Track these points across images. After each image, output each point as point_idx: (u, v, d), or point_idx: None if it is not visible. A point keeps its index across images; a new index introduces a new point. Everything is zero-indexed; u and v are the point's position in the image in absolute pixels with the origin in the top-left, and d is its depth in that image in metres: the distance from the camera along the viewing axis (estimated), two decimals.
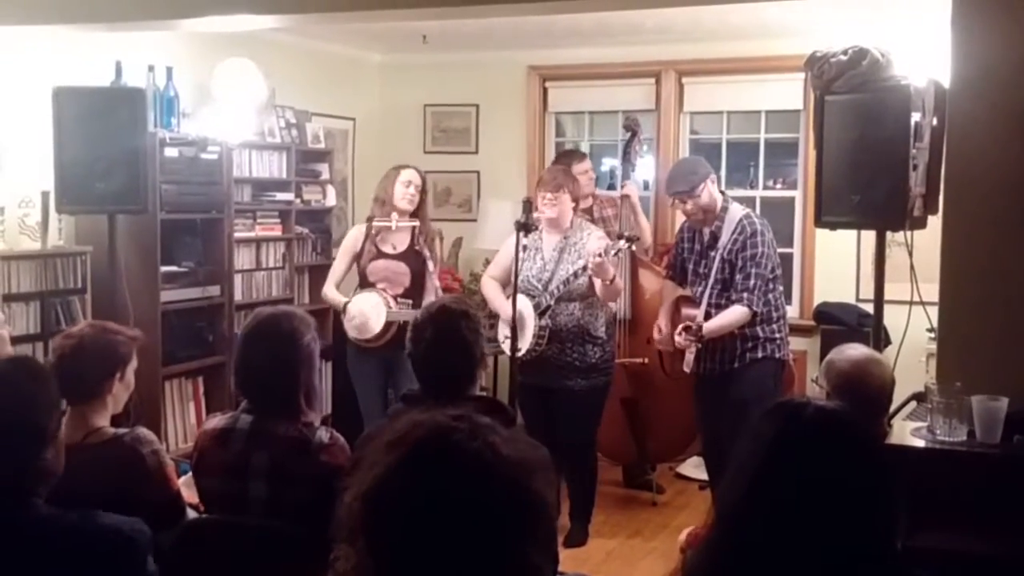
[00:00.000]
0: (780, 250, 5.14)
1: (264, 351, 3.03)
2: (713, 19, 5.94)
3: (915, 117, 3.86)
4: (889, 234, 4.21)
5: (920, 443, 3.13)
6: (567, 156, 6.22)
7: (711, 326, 4.82)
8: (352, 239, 5.55)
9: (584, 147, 7.16)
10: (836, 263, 6.54)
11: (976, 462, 3.05)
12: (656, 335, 5.26)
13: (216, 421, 3.08)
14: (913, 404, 3.69)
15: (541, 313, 5.08)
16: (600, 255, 4.83)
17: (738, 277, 4.86)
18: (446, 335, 3.00)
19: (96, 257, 5.16)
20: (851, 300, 6.52)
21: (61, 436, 2.50)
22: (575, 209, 5.28)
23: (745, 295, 4.83)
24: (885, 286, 4.24)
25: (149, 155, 5.03)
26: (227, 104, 5.84)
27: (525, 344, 5.05)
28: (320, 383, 3.41)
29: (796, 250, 6.78)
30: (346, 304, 5.36)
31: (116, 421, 3.17)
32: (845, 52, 4.02)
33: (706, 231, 5.00)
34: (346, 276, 5.57)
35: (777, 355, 4.96)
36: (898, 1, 5.41)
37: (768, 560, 1.79)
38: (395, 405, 3.33)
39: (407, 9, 4.50)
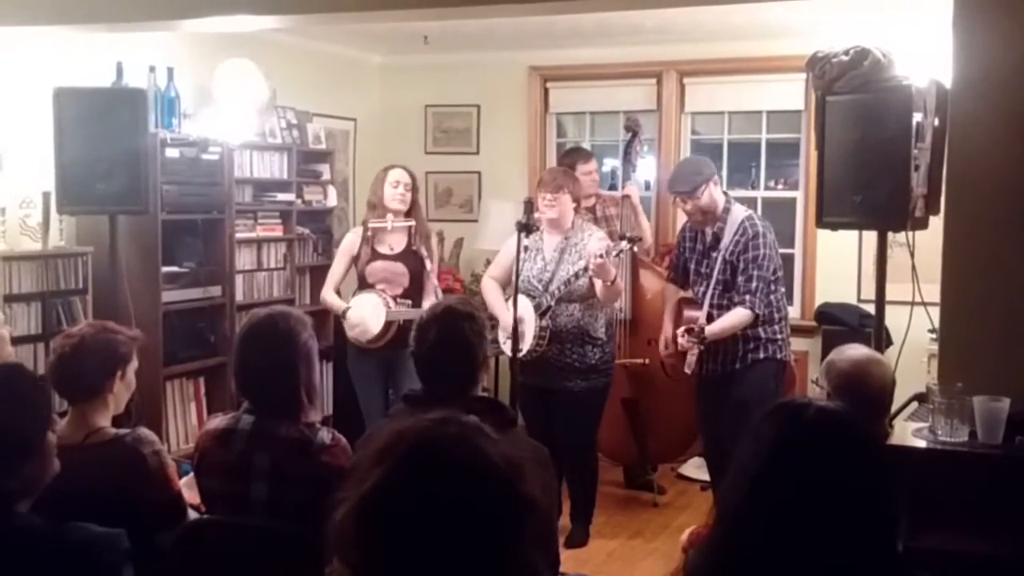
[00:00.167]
0: (781, 251, 5.14)
1: (262, 352, 3.03)
2: (714, 19, 5.93)
3: (917, 117, 3.86)
4: (891, 234, 4.21)
5: (922, 444, 3.13)
6: (573, 154, 6.21)
7: (713, 329, 4.82)
8: (349, 242, 5.55)
9: (584, 147, 7.16)
10: (837, 263, 6.53)
11: (978, 463, 3.04)
12: (662, 349, 5.25)
13: (218, 421, 3.08)
14: (915, 405, 3.69)
15: (542, 314, 5.08)
16: (601, 256, 4.83)
17: (740, 279, 4.86)
18: (450, 336, 3.00)
19: (97, 258, 5.16)
20: (852, 301, 6.52)
21: (50, 445, 2.47)
22: (576, 209, 5.28)
23: (747, 297, 4.83)
24: (886, 287, 4.24)
25: (150, 156, 5.03)
26: (228, 105, 5.84)
27: (525, 345, 5.05)
28: (320, 384, 3.41)
29: (797, 251, 6.78)
30: (346, 310, 5.36)
31: (117, 421, 3.17)
32: (847, 52, 4.02)
33: (708, 232, 5.00)
34: (344, 279, 5.57)
35: (779, 356, 4.96)
36: (900, 1, 5.41)
37: (769, 561, 1.79)
38: (397, 405, 3.32)
39: (408, 10, 4.49)
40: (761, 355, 4.91)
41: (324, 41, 6.91)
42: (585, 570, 4.76)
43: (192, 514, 3.14)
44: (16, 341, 4.30)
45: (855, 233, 6.04)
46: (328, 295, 5.53)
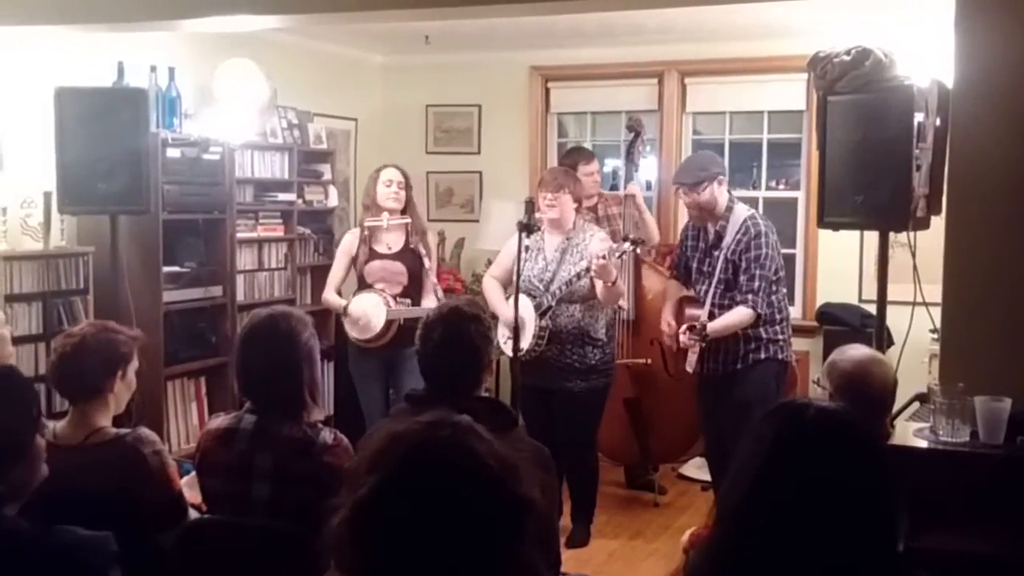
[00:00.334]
0: (783, 251, 5.14)
1: (264, 353, 3.03)
2: (716, 19, 5.93)
3: (918, 117, 3.85)
4: (892, 235, 4.20)
5: (923, 444, 3.13)
6: (575, 155, 6.18)
7: (715, 326, 4.82)
8: (347, 243, 5.56)
9: (587, 148, 7.15)
10: (839, 264, 6.53)
11: (979, 463, 3.04)
12: (665, 328, 5.24)
13: (220, 421, 3.08)
14: (916, 405, 3.69)
15: (542, 314, 5.07)
16: (603, 257, 4.82)
17: (742, 278, 4.86)
18: (456, 337, 3.00)
19: (98, 257, 5.16)
20: (854, 301, 6.52)
21: (38, 449, 2.46)
22: (578, 209, 5.27)
23: (749, 296, 4.82)
24: (888, 287, 4.24)
25: (151, 155, 5.03)
26: (229, 104, 5.84)
27: (525, 344, 5.05)
28: (322, 384, 3.41)
29: (799, 251, 6.77)
30: (346, 307, 5.36)
31: (118, 421, 3.17)
32: (848, 52, 4.01)
33: (711, 230, 5.00)
34: (345, 280, 5.57)
35: (780, 356, 4.96)
36: (901, 1, 5.41)
37: (770, 561, 1.79)
38: (399, 405, 3.32)
39: (409, 9, 4.49)
40: (762, 355, 4.91)
41: (325, 41, 6.91)
42: (586, 570, 4.76)
43: (193, 514, 3.14)
44: (17, 341, 4.31)
45: (856, 233, 6.03)
46: (329, 295, 5.54)
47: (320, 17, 4.81)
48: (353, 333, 5.38)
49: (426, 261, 5.40)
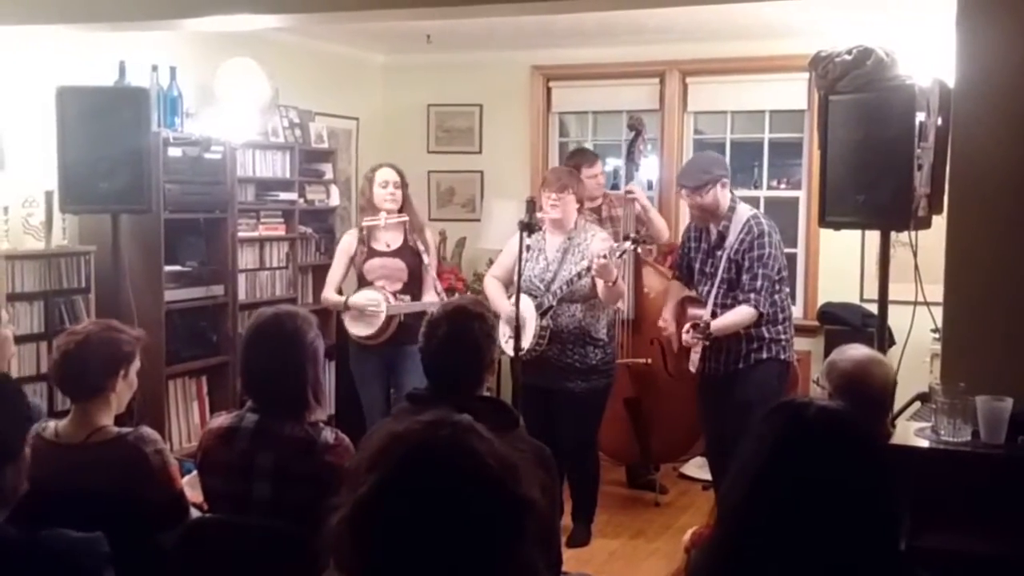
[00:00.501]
0: (784, 250, 5.13)
1: (269, 352, 3.03)
2: (717, 19, 5.93)
3: (920, 117, 3.85)
4: (893, 234, 4.20)
5: (924, 443, 3.12)
6: (578, 156, 6.18)
7: (718, 324, 4.82)
8: (346, 243, 5.57)
9: (588, 147, 7.15)
10: (840, 263, 6.53)
11: (980, 463, 3.04)
12: (662, 324, 5.23)
13: (221, 420, 3.08)
14: (917, 404, 3.68)
15: (543, 314, 5.07)
16: (604, 256, 4.82)
17: (745, 277, 4.86)
18: (459, 335, 3.00)
19: (100, 257, 5.16)
20: (855, 300, 6.51)
21: (26, 457, 2.45)
22: (580, 210, 5.27)
23: (752, 296, 4.82)
24: (889, 286, 4.23)
25: (153, 155, 5.03)
26: (231, 104, 5.84)
27: (526, 344, 5.05)
28: (325, 382, 3.41)
29: (800, 250, 6.77)
30: (346, 301, 5.37)
31: (119, 421, 3.18)
32: (849, 52, 4.01)
33: (713, 230, 5.00)
34: (344, 279, 5.57)
35: (782, 356, 4.96)
36: (903, 1, 5.40)
37: (771, 560, 1.79)
38: (400, 404, 3.32)
39: (410, 9, 4.49)
40: (764, 355, 4.91)
41: (326, 40, 6.91)
42: (587, 570, 4.76)
43: (194, 513, 3.14)
44: (19, 340, 4.31)
45: (858, 233, 6.03)
46: (328, 294, 5.55)
47: (321, 16, 4.81)
48: (354, 330, 5.39)
49: (425, 257, 5.41)
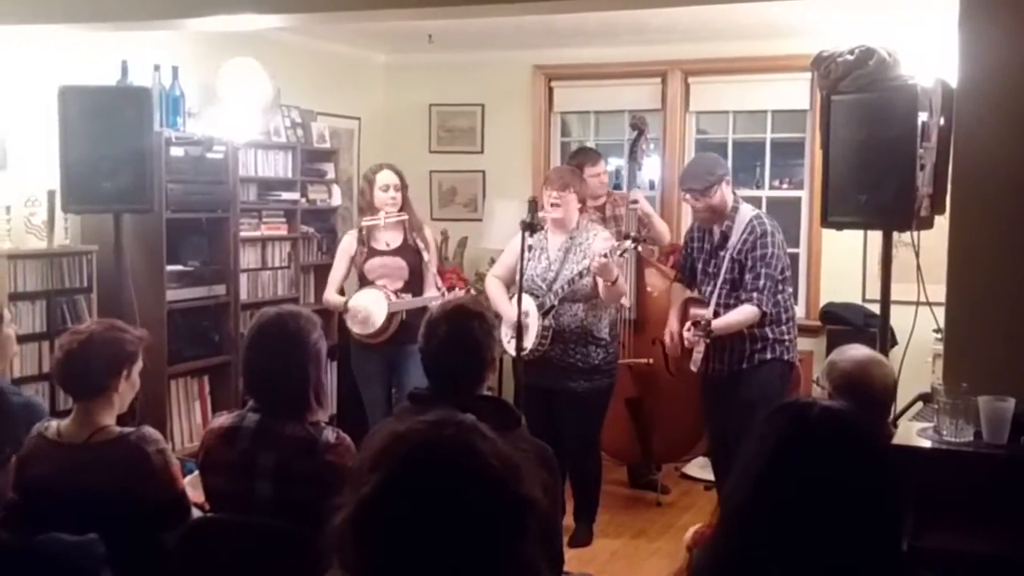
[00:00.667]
0: (787, 250, 5.13)
1: (272, 352, 3.03)
2: (719, 19, 5.93)
3: (922, 117, 3.85)
4: (896, 234, 4.20)
5: (926, 444, 3.12)
6: (581, 156, 6.19)
7: (720, 323, 4.82)
8: (346, 244, 5.57)
9: (590, 147, 7.15)
10: (842, 263, 6.52)
11: (983, 463, 3.04)
12: (668, 340, 5.24)
13: (223, 420, 3.08)
14: (919, 405, 3.68)
15: (545, 313, 5.07)
16: (605, 255, 4.82)
17: (748, 277, 4.86)
18: (459, 334, 3.00)
19: (102, 256, 5.16)
20: (857, 300, 6.51)
21: (12, 465, 2.44)
22: (582, 210, 5.27)
23: (755, 295, 4.82)
24: (892, 286, 4.23)
25: (155, 154, 5.03)
26: (233, 103, 5.84)
27: (528, 344, 5.05)
28: (327, 383, 3.40)
29: (802, 250, 6.77)
30: (346, 303, 5.38)
31: (122, 420, 3.18)
32: (852, 52, 4.01)
33: (716, 230, 4.99)
34: (345, 280, 5.58)
35: (785, 357, 4.96)
36: (905, 1, 5.40)
37: (773, 560, 1.79)
38: (402, 404, 3.32)
39: (412, 9, 4.49)
40: (768, 356, 4.91)
41: (328, 40, 6.91)
42: (589, 569, 4.76)
43: (196, 513, 3.14)
44: (21, 339, 4.30)
45: (860, 233, 6.02)
46: (329, 295, 5.55)
47: (323, 16, 4.81)
48: (355, 329, 5.39)
49: (425, 255, 5.42)
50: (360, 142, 7.48)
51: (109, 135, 4.84)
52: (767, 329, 4.89)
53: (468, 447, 1.57)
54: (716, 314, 4.90)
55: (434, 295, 5.27)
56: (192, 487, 3.19)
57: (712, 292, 4.97)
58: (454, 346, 2.99)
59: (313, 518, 2.68)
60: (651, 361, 5.78)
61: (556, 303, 5.07)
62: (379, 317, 5.27)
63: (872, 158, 3.95)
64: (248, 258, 6.04)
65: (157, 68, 5.48)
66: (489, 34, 6.64)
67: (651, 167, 6.91)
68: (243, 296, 5.92)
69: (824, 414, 1.88)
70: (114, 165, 4.84)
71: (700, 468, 6.35)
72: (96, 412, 3.05)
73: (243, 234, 5.90)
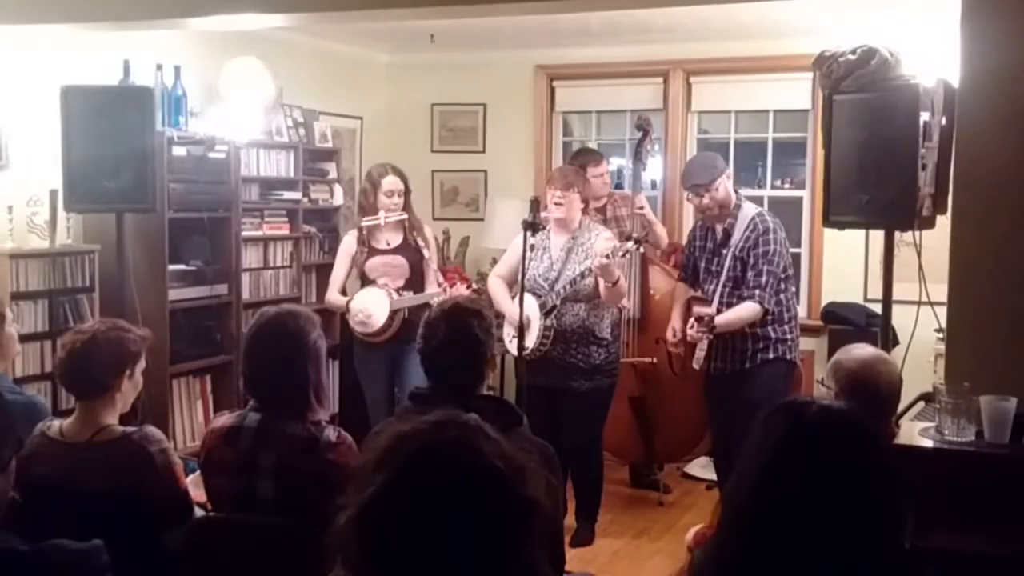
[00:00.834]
0: (789, 249, 5.13)
1: (271, 352, 3.03)
2: (721, 18, 5.93)
3: (924, 116, 3.85)
4: (897, 234, 4.20)
5: (928, 443, 3.12)
6: (584, 156, 6.19)
7: (723, 319, 4.82)
8: (347, 244, 5.59)
9: (592, 147, 7.15)
10: (844, 263, 6.52)
11: (984, 463, 3.03)
12: (670, 337, 5.24)
13: (224, 419, 3.08)
14: (921, 404, 3.68)
15: (547, 313, 5.07)
16: (607, 256, 4.82)
17: (750, 274, 4.86)
18: (458, 334, 3.00)
19: (104, 256, 5.16)
20: (859, 300, 6.51)
21: (11, 469, 2.44)
22: (585, 210, 5.27)
23: (757, 292, 4.82)
24: (893, 286, 4.23)
25: (157, 154, 5.03)
26: (235, 103, 5.85)
27: (529, 343, 5.05)
28: (327, 382, 3.41)
29: (804, 250, 6.77)
30: (348, 303, 5.38)
31: (124, 420, 3.18)
32: (854, 51, 4.01)
33: (718, 228, 5.00)
34: (346, 280, 5.58)
35: (788, 356, 4.96)
36: (907, 1, 5.40)
37: (775, 560, 1.79)
38: (403, 404, 3.32)
39: (414, 8, 4.49)
40: (771, 355, 4.91)
41: (331, 40, 6.91)
42: (590, 569, 4.76)
43: (198, 512, 3.14)
44: (23, 339, 4.30)
45: (862, 232, 6.02)
46: (331, 295, 5.56)
47: (326, 16, 4.81)
48: (358, 328, 5.39)
49: (425, 252, 5.44)
50: (362, 142, 7.48)
51: (111, 135, 4.84)
52: (770, 328, 4.89)
53: (473, 448, 1.57)
54: (719, 312, 4.90)
55: (436, 291, 5.28)
56: (194, 486, 3.20)
57: (715, 290, 4.98)
58: (453, 345, 2.99)
59: (315, 517, 2.70)
60: (655, 360, 5.78)
61: (558, 303, 5.07)
62: (381, 315, 5.28)
63: (874, 158, 3.95)
64: (250, 258, 6.04)
65: (159, 68, 5.49)
66: (491, 34, 6.64)
67: (653, 167, 6.91)
68: (245, 296, 5.92)
69: (822, 413, 1.88)
70: (116, 164, 4.84)
71: (702, 468, 6.35)
72: (99, 411, 3.06)
73: (245, 234, 5.90)
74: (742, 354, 4.92)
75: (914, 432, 3.21)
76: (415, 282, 5.45)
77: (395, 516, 1.52)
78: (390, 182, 5.45)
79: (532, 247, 5.06)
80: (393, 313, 5.27)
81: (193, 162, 5.49)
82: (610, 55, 6.99)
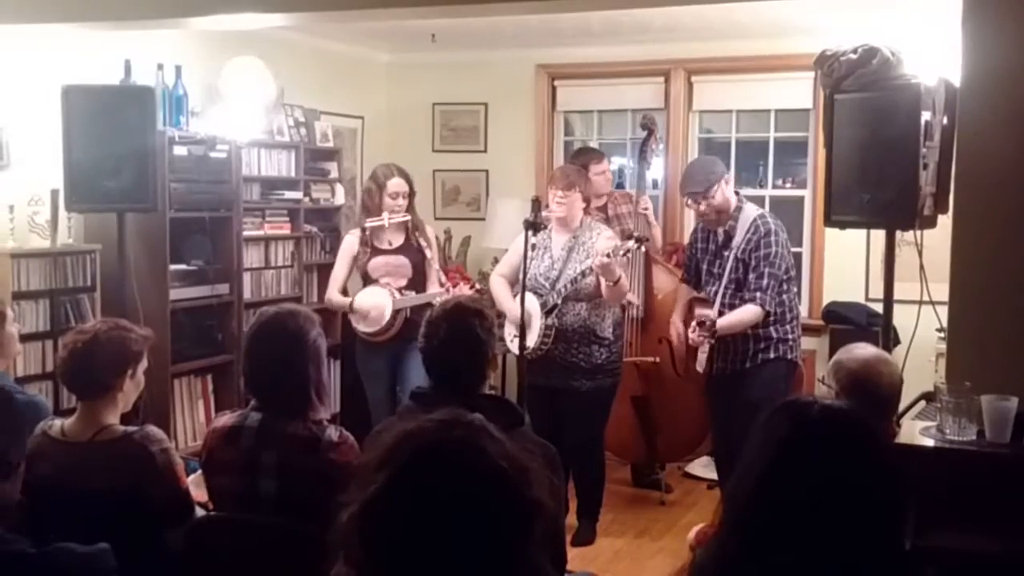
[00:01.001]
0: (791, 249, 5.13)
1: (271, 351, 3.04)
2: (722, 17, 5.92)
3: (925, 116, 3.85)
4: (899, 233, 4.20)
5: (929, 442, 3.12)
6: (585, 154, 6.20)
7: (724, 323, 4.82)
8: (348, 244, 5.58)
9: (593, 146, 7.15)
10: (845, 262, 6.52)
11: (985, 462, 3.03)
12: (674, 333, 5.24)
13: (225, 419, 3.08)
14: (922, 403, 3.68)
15: (548, 312, 5.07)
16: (608, 255, 4.82)
17: (751, 276, 4.85)
18: (459, 333, 3.00)
19: (105, 255, 5.16)
20: (860, 299, 6.50)
21: (21, 471, 2.45)
22: (586, 209, 5.27)
23: (758, 294, 4.82)
24: (895, 285, 4.23)
25: (158, 153, 5.03)
26: (236, 102, 5.85)
27: (530, 343, 5.05)
28: (328, 381, 3.41)
29: (805, 249, 6.77)
30: (351, 303, 5.38)
31: (125, 419, 3.18)
32: (855, 50, 4.01)
33: (720, 231, 4.99)
34: (347, 280, 5.58)
35: (789, 356, 4.96)
36: (908, 0, 5.40)
37: (776, 559, 1.79)
38: (405, 403, 3.32)
39: (415, 8, 4.49)
40: (772, 355, 4.91)
41: (332, 39, 6.91)
42: (592, 568, 4.76)
43: (199, 512, 3.14)
44: (24, 338, 4.31)
45: (863, 232, 6.02)
46: (332, 295, 5.55)
47: (327, 15, 4.81)
48: (361, 327, 5.40)
49: (427, 252, 5.44)
50: (363, 141, 7.48)
51: (112, 134, 4.84)
52: (771, 328, 4.89)
53: (477, 448, 1.57)
54: (720, 314, 4.89)
55: (439, 291, 5.29)
56: (195, 486, 3.20)
57: (717, 292, 4.97)
58: (455, 345, 2.99)
59: (316, 516, 2.71)
60: (658, 360, 5.78)
61: (559, 302, 5.07)
62: (385, 315, 5.28)
63: (875, 157, 3.95)
64: (251, 257, 6.04)
65: (160, 67, 5.49)
66: (492, 33, 6.64)
67: (655, 166, 6.91)
68: (246, 295, 5.92)
69: (825, 413, 1.89)
70: (117, 164, 4.84)
71: (703, 467, 6.35)
72: (100, 411, 3.06)
73: (246, 233, 5.90)
74: (743, 354, 4.92)
75: (915, 431, 3.21)
76: (417, 282, 5.46)
77: (398, 514, 1.52)
78: (396, 184, 5.45)
79: (533, 246, 5.06)
80: (396, 312, 5.27)
81: (194, 162, 5.49)
82: (611, 54, 6.99)
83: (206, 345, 5.75)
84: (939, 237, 3.91)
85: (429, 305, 4.70)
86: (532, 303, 5.07)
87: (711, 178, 4.90)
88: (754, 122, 7.10)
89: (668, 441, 6.00)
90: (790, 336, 4.95)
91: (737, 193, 5.07)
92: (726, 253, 4.95)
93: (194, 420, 5.76)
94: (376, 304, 5.32)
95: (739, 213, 4.96)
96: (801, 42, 5.88)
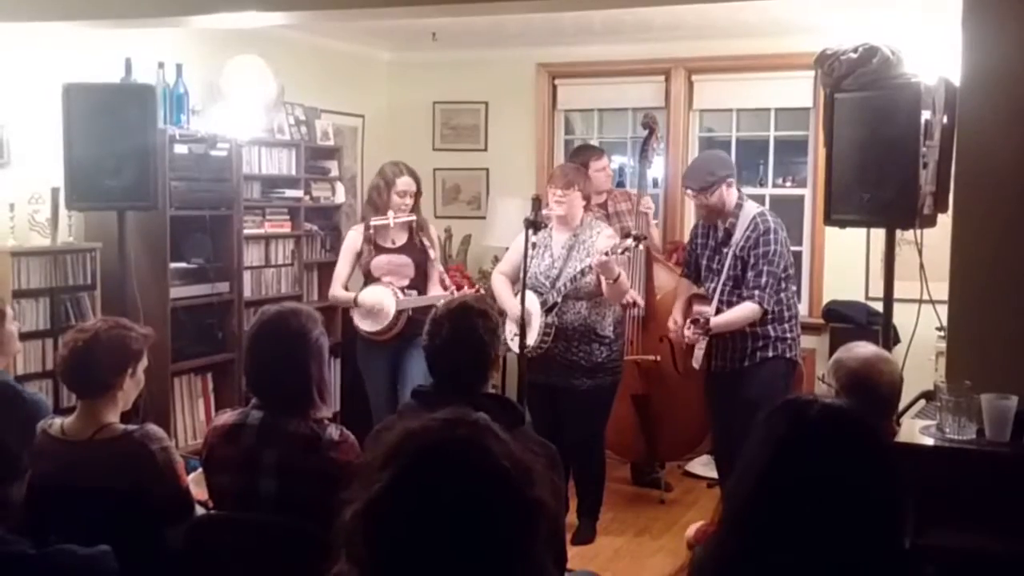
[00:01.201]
0: (791, 248, 5.13)
1: (273, 349, 3.04)
2: (723, 16, 5.92)
3: (925, 115, 3.85)
4: (899, 232, 4.20)
5: (929, 441, 3.12)
6: (585, 152, 6.20)
7: (719, 321, 4.82)
8: (351, 240, 5.57)
9: (593, 144, 7.15)
10: (845, 261, 6.52)
11: (985, 461, 3.04)
12: (672, 326, 5.24)
13: (226, 417, 3.08)
14: (922, 402, 3.68)
15: (548, 310, 5.07)
16: (607, 253, 4.82)
17: (750, 274, 4.85)
18: (463, 333, 3.00)
19: (106, 253, 5.16)
20: (860, 298, 6.50)
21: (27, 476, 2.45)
22: (586, 207, 5.27)
23: (756, 292, 4.82)
24: (895, 284, 4.23)
25: (159, 152, 5.04)
26: (237, 101, 5.85)
27: (530, 341, 5.05)
28: (330, 380, 3.41)
29: (805, 248, 6.77)
30: (356, 298, 5.38)
31: (125, 417, 3.18)
32: (855, 50, 4.01)
33: (720, 227, 4.99)
34: (351, 277, 5.58)
35: (788, 355, 4.96)
36: None
37: (775, 557, 1.79)
38: (407, 402, 3.33)
39: (416, 6, 4.50)
40: (770, 353, 4.91)
41: (332, 38, 6.91)
42: (592, 567, 4.76)
43: (200, 510, 3.15)
44: (24, 337, 4.32)
45: (863, 230, 6.02)
46: (336, 291, 5.55)
47: (328, 14, 4.82)
48: (363, 325, 5.39)
49: (431, 252, 5.44)
50: (364, 140, 7.49)
51: (113, 132, 4.84)
52: (770, 327, 4.89)
53: (482, 447, 1.57)
54: (719, 311, 4.90)
55: (440, 293, 5.28)
56: (196, 484, 3.20)
57: (715, 289, 4.98)
58: (458, 344, 2.99)
59: (317, 515, 2.71)
60: (658, 358, 5.78)
61: (559, 300, 5.07)
62: (388, 314, 5.28)
63: (875, 156, 3.95)
64: (252, 255, 6.04)
65: (161, 65, 5.49)
66: (493, 32, 6.64)
67: (656, 165, 6.90)
68: (247, 293, 5.92)
69: (825, 411, 1.89)
70: (118, 162, 4.85)
71: (703, 466, 6.35)
72: (100, 410, 3.06)
73: (247, 231, 5.91)
74: (742, 352, 4.92)
75: (915, 430, 3.21)
76: (419, 282, 5.46)
77: (402, 513, 1.53)
78: (404, 183, 5.45)
79: (534, 245, 5.06)
80: (399, 312, 5.27)
81: (195, 160, 5.49)
82: (612, 53, 6.99)
83: (206, 343, 5.75)
84: (939, 236, 3.91)
85: (432, 307, 4.70)
86: (532, 301, 5.07)
87: (710, 179, 4.90)
88: (754, 121, 7.10)
89: (668, 440, 6.01)
90: (789, 335, 4.95)
91: (738, 191, 5.06)
92: (725, 250, 4.96)
93: (194, 418, 5.77)
94: (379, 303, 5.32)
95: (739, 211, 4.96)
96: (801, 41, 5.88)
